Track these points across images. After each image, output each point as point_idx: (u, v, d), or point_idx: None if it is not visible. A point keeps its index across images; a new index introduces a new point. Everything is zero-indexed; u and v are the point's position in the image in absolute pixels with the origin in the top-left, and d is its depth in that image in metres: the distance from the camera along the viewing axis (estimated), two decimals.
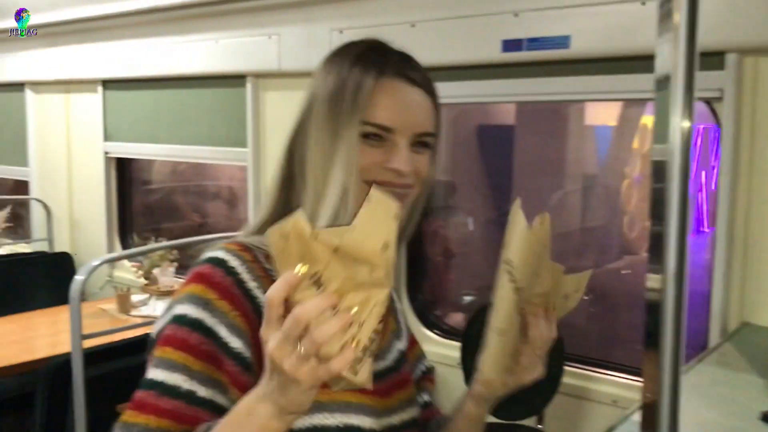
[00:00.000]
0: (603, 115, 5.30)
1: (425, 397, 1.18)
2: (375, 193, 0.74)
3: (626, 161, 5.38)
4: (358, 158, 0.90)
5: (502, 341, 0.94)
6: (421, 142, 0.95)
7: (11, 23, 3.99)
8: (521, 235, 0.90)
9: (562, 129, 5.00)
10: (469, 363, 2.29)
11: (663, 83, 1.26)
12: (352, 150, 0.90)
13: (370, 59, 0.93)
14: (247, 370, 0.84)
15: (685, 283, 1.16)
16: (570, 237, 4.82)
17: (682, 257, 1.17)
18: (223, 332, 0.83)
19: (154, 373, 0.83)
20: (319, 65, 0.98)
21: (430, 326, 2.78)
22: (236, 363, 0.83)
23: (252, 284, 0.87)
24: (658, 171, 1.21)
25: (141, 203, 4.32)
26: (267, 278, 0.88)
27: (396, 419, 1.00)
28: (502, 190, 5.13)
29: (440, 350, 2.66)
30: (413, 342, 1.17)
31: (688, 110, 1.21)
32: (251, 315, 0.85)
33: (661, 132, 1.21)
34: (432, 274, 3.41)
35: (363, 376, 0.69)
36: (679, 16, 1.24)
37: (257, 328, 0.72)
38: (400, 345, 1.10)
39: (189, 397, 0.81)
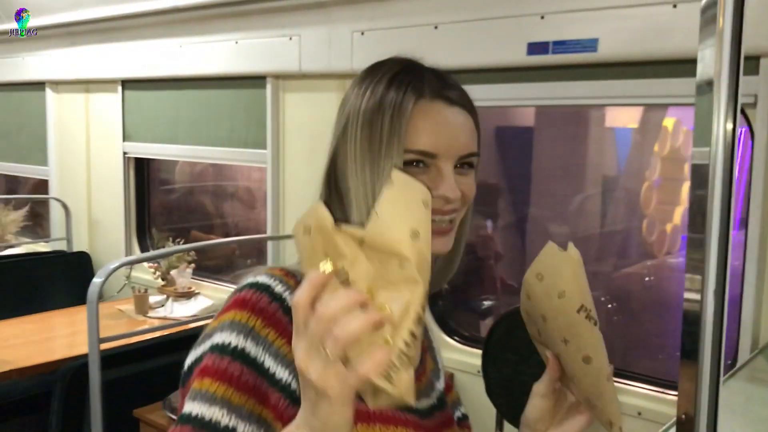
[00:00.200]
0: (624, 117, 5.23)
1: None
2: (398, 175, 0.69)
3: (647, 164, 5.31)
4: None
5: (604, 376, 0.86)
6: (466, 163, 0.91)
7: (33, 23, 3.99)
8: (578, 272, 0.83)
9: (583, 131, 4.93)
10: (489, 371, 2.24)
11: (705, 88, 1.22)
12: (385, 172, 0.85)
13: (405, 81, 0.88)
14: (295, 403, 0.75)
15: (726, 295, 1.11)
16: (589, 241, 4.76)
17: (724, 267, 1.12)
18: (269, 362, 0.77)
19: (191, 407, 0.75)
20: (350, 86, 0.94)
21: (450, 333, 2.74)
22: (283, 395, 0.77)
23: (281, 293, 0.83)
24: (700, 176, 1.17)
25: (160, 203, 4.31)
26: None
27: None
28: (520, 193, 5.07)
29: (460, 357, 2.62)
30: (449, 386, 1.12)
31: (733, 115, 1.16)
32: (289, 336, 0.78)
33: (702, 136, 1.17)
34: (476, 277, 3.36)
35: (401, 386, 0.59)
36: (724, 21, 1.20)
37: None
38: (440, 385, 1.04)
39: (200, 422, 0.74)
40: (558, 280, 0.81)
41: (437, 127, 0.87)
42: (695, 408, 1.12)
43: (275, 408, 0.76)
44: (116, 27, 3.69)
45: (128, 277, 3.82)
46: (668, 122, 5.25)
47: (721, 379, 1.12)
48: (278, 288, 0.81)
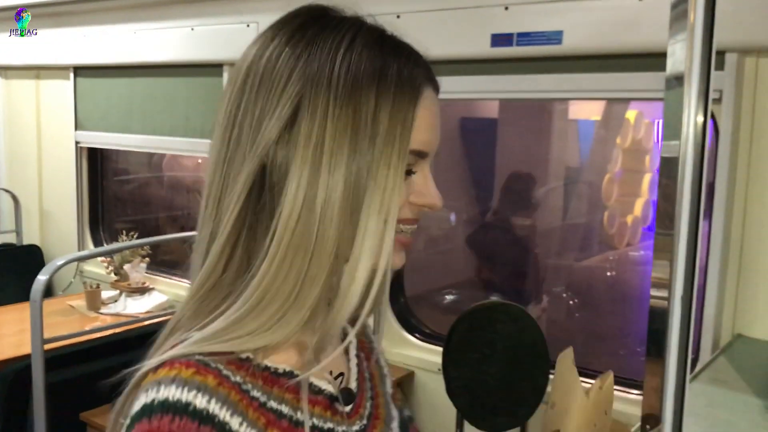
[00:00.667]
0: (587, 109, 5.23)
1: None
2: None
3: (609, 156, 5.33)
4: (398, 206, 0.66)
5: None
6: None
7: None
8: (579, 405, 0.77)
9: (546, 123, 4.92)
10: (450, 370, 2.19)
11: (675, 82, 1.17)
12: (394, 196, 0.64)
13: (405, 51, 0.69)
14: None
15: (695, 293, 1.07)
16: (552, 233, 4.75)
17: (693, 261, 1.07)
18: None
19: None
20: (275, 37, 0.69)
21: (411, 330, 2.68)
22: None
23: (234, 420, 0.60)
24: (669, 170, 1.12)
25: (114, 195, 4.18)
26: (247, 400, 0.62)
27: None
28: (484, 186, 5.05)
29: (421, 355, 2.57)
30: (394, 386, 0.99)
31: (703, 110, 1.12)
32: None
33: (672, 131, 1.12)
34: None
35: None
36: (695, 16, 1.15)
37: None
38: (389, 391, 0.90)
39: None
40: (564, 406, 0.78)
41: (434, 121, 0.70)
42: (661, 408, 1.08)
43: None
44: (69, 11, 3.54)
45: (81, 272, 3.70)
46: (630, 115, 5.27)
47: (688, 378, 1.08)
48: (200, 401, 0.58)
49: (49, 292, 3.52)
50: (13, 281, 3.61)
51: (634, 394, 2.12)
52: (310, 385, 0.66)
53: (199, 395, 0.58)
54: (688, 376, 1.07)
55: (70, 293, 3.58)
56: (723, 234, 1.96)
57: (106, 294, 3.32)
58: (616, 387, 2.20)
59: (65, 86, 3.76)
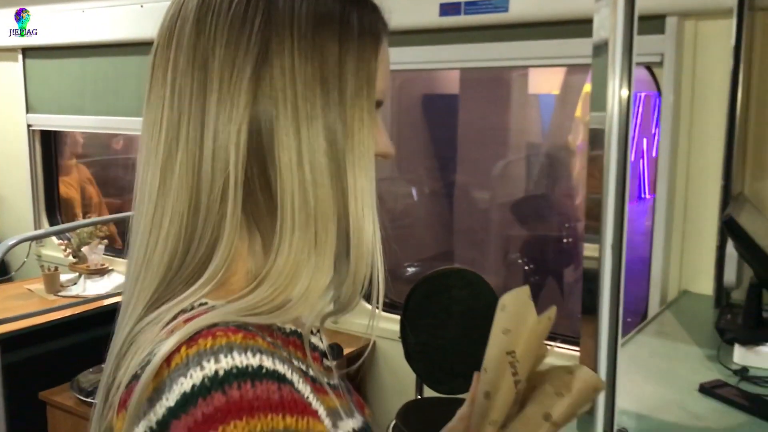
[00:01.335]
0: (547, 83, 5.28)
1: None
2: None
3: (569, 129, 5.38)
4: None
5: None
6: None
7: None
8: (528, 325, 0.80)
9: (506, 98, 4.97)
10: (408, 336, 2.23)
11: (601, 49, 1.20)
12: (371, 147, 0.62)
13: (362, 6, 0.64)
14: None
15: (624, 252, 1.11)
16: (514, 205, 4.81)
17: (621, 225, 1.12)
18: None
19: None
20: None
21: (370, 299, 2.70)
22: None
23: (294, 377, 0.55)
24: (596, 138, 1.16)
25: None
26: (277, 342, 0.60)
27: None
28: (446, 159, 5.09)
29: (380, 324, 2.60)
30: None
31: (627, 76, 1.16)
32: (316, 413, 0.56)
33: (599, 99, 1.16)
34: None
35: None
36: None
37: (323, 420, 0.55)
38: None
39: None
40: (513, 319, 0.80)
41: (388, 70, 0.66)
42: (595, 362, 1.13)
43: None
44: None
45: (38, 256, 3.66)
46: (588, 88, 5.33)
47: (620, 335, 1.12)
48: (267, 362, 0.54)
49: (4, 273, 3.48)
50: None
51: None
52: (310, 343, 0.65)
53: (264, 357, 0.53)
54: (620, 331, 1.12)
55: (29, 278, 3.54)
56: (667, 195, 2.01)
57: (64, 277, 3.29)
58: (564, 345, 2.27)
59: (14, 68, 3.69)
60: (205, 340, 0.52)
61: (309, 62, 0.58)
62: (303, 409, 0.53)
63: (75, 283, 3.28)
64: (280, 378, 0.52)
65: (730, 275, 1.81)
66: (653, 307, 2.03)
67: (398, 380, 2.50)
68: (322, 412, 0.56)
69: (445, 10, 2.25)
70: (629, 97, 1.16)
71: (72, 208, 3.91)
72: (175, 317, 0.56)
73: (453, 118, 5.09)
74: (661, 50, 1.97)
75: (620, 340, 1.12)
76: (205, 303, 0.57)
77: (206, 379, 0.50)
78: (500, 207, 4.68)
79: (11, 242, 2.15)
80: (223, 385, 0.50)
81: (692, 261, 2.02)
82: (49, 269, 3.23)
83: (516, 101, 5.07)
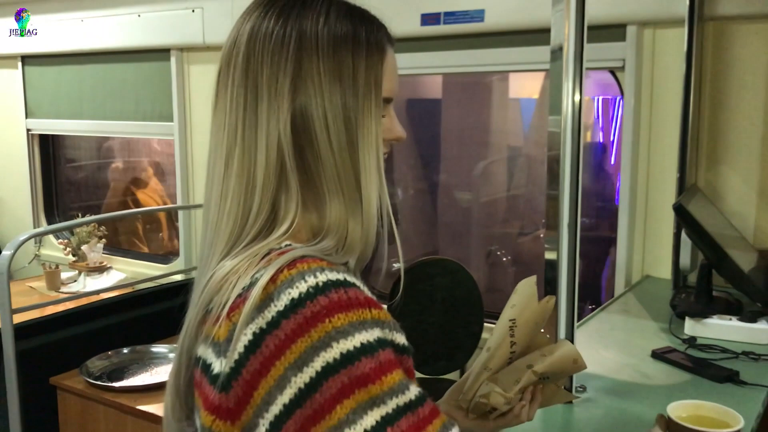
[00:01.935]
0: (527, 87, 5.47)
1: None
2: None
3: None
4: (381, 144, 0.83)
5: (487, 378, 1.03)
6: None
7: None
8: (531, 305, 1.01)
9: (487, 102, 5.15)
10: None
11: (556, 54, 1.39)
12: (378, 133, 0.82)
13: (368, 17, 0.84)
14: (409, 355, 0.80)
15: (578, 242, 1.30)
16: (495, 204, 4.99)
17: (575, 219, 1.30)
18: (398, 337, 0.77)
19: (394, 403, 0.72)
20: (261, 14, 0.82)
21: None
22: (408, 356, 0.79)
23: (364, 288, 0.76)
24: (553, 141, 1.34)
25: (68, 181, 4.26)
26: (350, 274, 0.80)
27: None
28: (429, 160, 5.26)
29: None
30: None
31: (579, 79, 1.34)
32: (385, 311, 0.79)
33: (557, 103, 1.34)
34: None
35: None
36: None
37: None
38: None
39: (424, 395, 0.76)
40: (520, 298, 1.02)
41: (395, 73, 0.86)
42: (555, 335, 1.32)
43: (407, 369, 0.78)
44: (14, 1, 3.62)
45: (38, 255, 3.80)
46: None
47: (575, 311, 1.31)
48: (349, 278, 0.74)
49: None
50: None
51: None
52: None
53: (345, 275, 0.73)
54: (576, 304, 1.30)
55: (30, 276, 3.68)
56: (630, 188, 2.20)
57: (65, 275, 3.43)
58: None
59: (14, 75, 3.84)
60: (302, 264, 0.72)
61: (330, 73, 0.78)
62: (379, 306, 0.73)
63: (75, 281, 3.42)
64: (358, 288, 0.72)
65: (685, 259, 2.00)
66: (618, 290, 2.21)
67: None
68: (389, 314, 0.77)
69: (426, 20, 2.43)
70: (581, 100, 1.34)
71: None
72: (267, 254, 0.75)
73: (436, 121, 5.27)
74: (623, 56, 2.16)
75: (576, 317, 1.31)
76: (290, 244, 0.77)
77: (311, 288, 0.70)
78: (481, 205, 4.86)
79: (23, 237, 2.30)
80: (325, 291, 0.70)
81: (653, 248, 2.21)
82: (50, 267, 3.38)
83: (497, 105, 5.25)
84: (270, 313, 0.70)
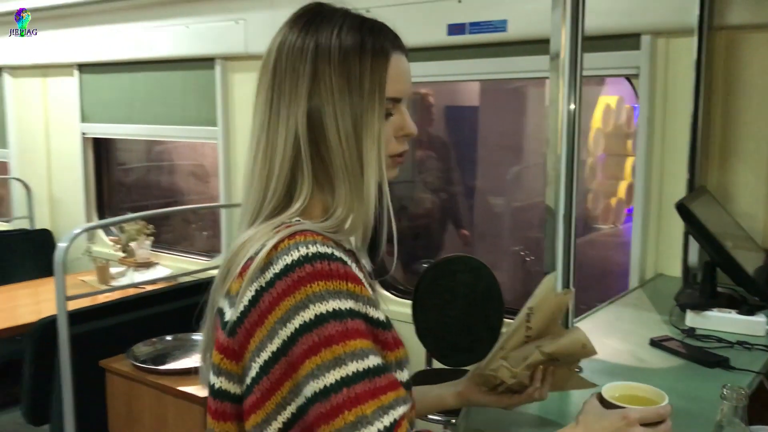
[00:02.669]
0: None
1: None
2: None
3: (584, 140, 5.60)
4: (384, 139, 0.95)
5: (502, 358, 1.14)
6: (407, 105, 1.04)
7: None
8: (548, 296, 1.12)
9: (522, 109, 5.24)
10: (418, 315, 2.54)
11: (555, 62, 1.51)
12: (381, 130, 0.94)
13: (377, 28, 0.96)
14: (387, 330, 0.92)
15: (573, 237, 1.41)
16: (528, 210, 5.08)
17: (570, 217, 1.42)
18: (372, 311, 0.88)
19: (353, 367, 0.83)
20: (292, 30, 0.96)
21: (387, 287, 3.03)
22: (384, 330, 0.91)
23: (353, 266, 0.89)
24: (552, 148, 1.46)
25: (118, 182, 4.51)
26: (346, 253, 0.93)
27: None
28: (467, 165, 5.38)
29: (395, 308, 2.91)
30: None
31: (575, 86, 1.45)
32: (366, 288, 0.90)
33: (555, 109, 1.45)
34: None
35: None
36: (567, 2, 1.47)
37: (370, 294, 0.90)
38: None
39: (385, 368, 0.86)
40: (540, 291, 1.13)
41: (403, 75, 0.97)
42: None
43: (383, 342, 0.90)
44: (73, 13, 3.87)
45: (90, 250, 4.03)
46: (611, 100, 5.55)
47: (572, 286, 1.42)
48: (337, 253, 0.87)
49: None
50: (28, 262, 3.94)
51: None
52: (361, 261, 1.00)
53: (334, 250, 0.87)
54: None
55: (82, 271, 3.91)
56: (643, 189, 2.30)
57: (114, 270, 3.65)
58: None
59: (71, 82, 4.09)
60: (300, 236, 0.87)
61: (340, 78, 0.92)
62: (358, 281, 0.87)
63: (124, 275, 3.64)
64: (343, 262, 0.86)
65: (693, 257, 2.09)
66: (632, 286, 2.31)
67: (411, 355, 2.80)
68: (368, 290, 0.90)
69: (452, 30, 2.58)
70: (578, 107, 1.45)
71: None
72: (279, 226, 0.91)
73: (473, 128, 5.38)
74: (638, 64, 2.26)
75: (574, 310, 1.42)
76: (299, 220, 0.92)
77: (301, 257, 0.84)
78: (515, 210, 4.95)
79: (77, 231, 2.50)
80: (312, 261, 0.84)
81: (666, 247, 2.30)
82: (101, 262, 3.60)
83: (532, 112, 5.34)
84: (269, 274, 0.85)
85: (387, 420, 0.82)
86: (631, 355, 1.60)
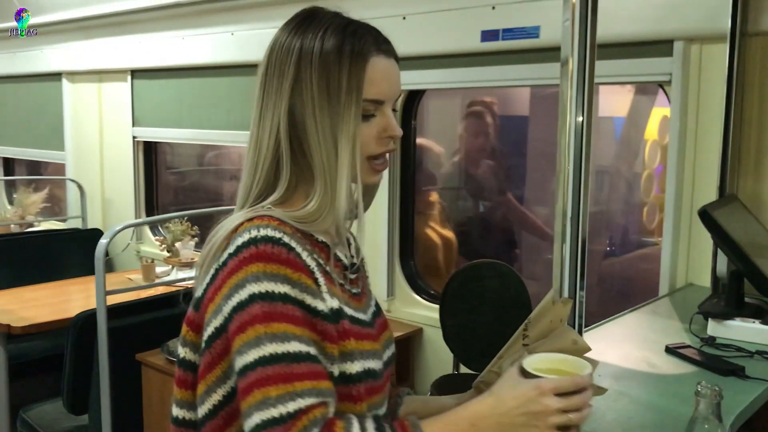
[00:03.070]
0: (613, 106, 5.46)
1: None
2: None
3: (637, 151, 5.51)
4: (360, 137, 0.98)
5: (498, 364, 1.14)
6: (394, 108, 1.06)
7: (50, 17, 4.35)
8: (546, 305, 1.10)
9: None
10: (446, 319, 2.55)
11: (565, 69, 1.50)
12: (356, 130, 0.97)
13: (359, 33, 0.99)
14: (330, 322, 0.93)
15: (581, 242, 1.40)
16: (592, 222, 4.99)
17: (577, 238, 1.41)
18: (309, 299, 0.91)
19: (271, 348, 0.86)
20: (285, 34, 1.02)
21: (419, 291, 3.05)
22: (325, 321, 0.92)
23: (304, 254, 0.93)
24: (561, 158, 1.45)
25: (167, 184, 4.65)
26: (306, 242, 0.96)
27: (386, 356, 1.11)
28: (516, 175, 5.36)
29: (427, 313, 2.93)
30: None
31: (583, 95, 1.44)
32: (313, 279, 0.93)
33: (563, 120, 1.44)
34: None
35: None
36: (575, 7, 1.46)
37: (319, 286, 0.93)
38: (374, 297, 1.24)
39: (309, 357, 0.87)
40: (540, 303, 1.12)
41: (384, 78, 1.00)
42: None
43: (322, 332, 0.92)
44: (126, 21, 4.02)
45: (137, 251, 4.17)
46: (668, 111, 5.45)
47: (583, 287, 1.42)
48: (286, 238, 0.92)
49: (110, 269, 4.02)
50: (80, 259, 4.09)
51: None
52: (335, 254, 1.04)
53: (285, 235, 0.92)
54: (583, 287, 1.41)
55: (129, 269, 4.05)
56: (675, 197, 2.26)
57: (159, 269, 3.77)
58: None
59: (123, 88, 4.25)
60: (258, 220, 0.93)
61: (320, 78, 0.97)
62: (299, 268, 0.91)
63: (168, 274, 3.75)
64: (289, 248, 0.91)
65: (722, 267, 2.05)
66: (662, 294, 2.27)
67: (439, 359, 2.82)
68: (323, 283, 0.94)
69: (486, 36, 2.59)
70: (588, 117, 1.43)
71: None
72: (259, 209, 0.98)
73: (523, 138, 5.36)
74: (670, 71, 2.24)
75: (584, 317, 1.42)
76: (270, 208, 0.98)
77: (250, 239, 0.90)
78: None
79: (118, 228, 2.61)
80: (257, 243, 0.90)
81: (698, 257, 2.26)
82: (146, 261, 3.72)
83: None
84: (225, 254, 0.92)
85: (291, 406, 0.83)
86: (643, 361, 1.59)
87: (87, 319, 2.59)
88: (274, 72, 1.00)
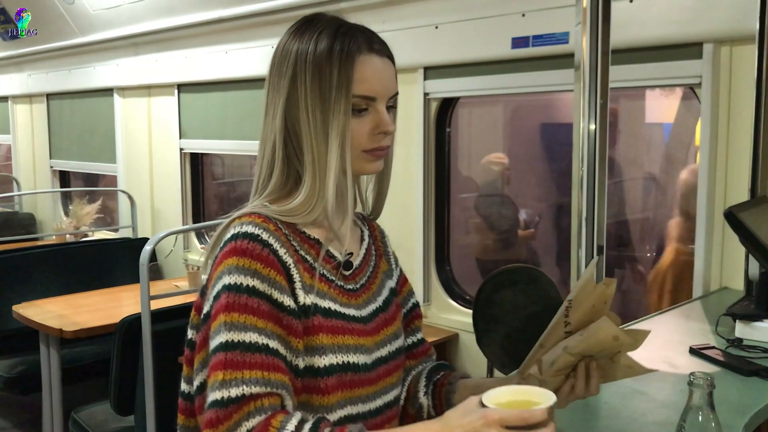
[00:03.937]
0: (659, 112, 5.39)
1: (419, 335, 1.34)
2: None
3: (684, 158, 5.43)
4: (350, 132, 1.04)
5: (540, 353, 1.11)
6: (390, 106, 1.10)
7: (101, 35, 4.53)
8: (588, 287, 1.07)
9: (620, 126, 5.14)
10: (479, 324, 2.57)
11: (578, 74, 1.52)
12: (345, 125, 1.03)
13: (349, 34, 1.04)
14: (298, 318, 1.00)
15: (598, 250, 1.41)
16: (616, 227, 4.96)
17: (592, 246, 1.43)
18: (276, 294, 0.97)
19: (229, 336, 0.93)
20: (287, 38, 1.08)
21: (455, 297, 3.07)
22: (290, 316, 0.98)
23: (281, 251, 1.00)
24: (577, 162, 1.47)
25: (216, 194, 4.78)
26: (287, 243, 1.03)
27: (384, 351, 1.14)
28: (562, 183, 5.33)
29: (463, 318, 2.95)
30: (405, 280, 1.32)
31: (595, 102, 1.45)
32: (286, 275, 1.00)
33: (576, 128, 1.46)
34: None
35: None
36: (587, 2, 1.47)
37: (293, 283, 1.00)
38: (392, 283, 1.24)
39: (267, 349, 0.94)
40: (580, 283, 1.09)
41: (375, 75, 1.05)
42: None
43: (286, 327, 0.98)
44: (172, 37, 4.17)
45: (185, 259, 4.30)
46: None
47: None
48: (264, 235, 0.99)
49: (159, 276, 4.15)
50: (130, 267, 4.23)
51: None
52: (327, 251, 1.09)
53: (264, 231, 0.99)
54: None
55: (177, 276, 4.18)
56: (707, 203, 2.25)
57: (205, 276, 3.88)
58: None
59: (171, 101, 4.40)
60: (247, 217, 1.02)
61: (313, 77, 1.04)
62: (271, 264, 0.98)
63: None
64: (265, 244, 0.98)
65: (754, 269, 2.03)
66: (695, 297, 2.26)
67: (474, 364, 2.84)
68: (298, 280, 1.01)
69: (516, 43, 2.62)
70: (600, 124, 1.45)
71: None
72: (254, 205, 1.06)
73: (567, 145, 5.32)
74: (700, 73, 2.23)
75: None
76: (266, 205, 1.05)
77: (233, 235, 1.00)
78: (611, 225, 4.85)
79: (161, 235, 2.71)
80: (238, 238, 0.98)
81: (732, 260, 2.23)
82: (192, 268, 3.84)
83: (627, 129, 5.21)
84: (218, 247, 1.01)
85: (234, 392, 0.90)
86: (664, 361, 1.59)
87: (132, 323, 2.69)
88: (275, 74, 1.07)
